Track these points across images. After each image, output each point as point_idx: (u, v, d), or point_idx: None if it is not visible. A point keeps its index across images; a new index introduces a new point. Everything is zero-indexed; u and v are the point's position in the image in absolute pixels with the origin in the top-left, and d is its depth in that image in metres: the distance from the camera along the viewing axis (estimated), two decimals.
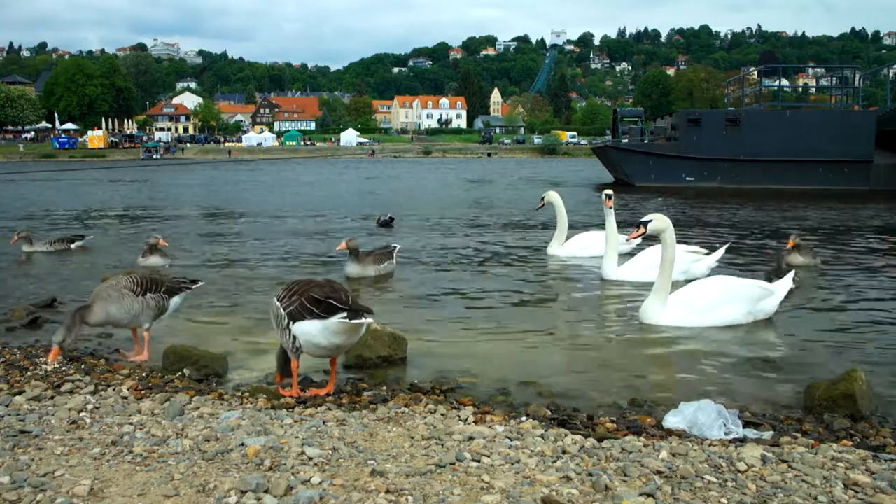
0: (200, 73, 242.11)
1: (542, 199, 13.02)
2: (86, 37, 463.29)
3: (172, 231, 15.97)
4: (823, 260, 11.48)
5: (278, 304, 5.03)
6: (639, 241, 9.46)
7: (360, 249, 10.30)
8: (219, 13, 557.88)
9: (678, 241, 8.08)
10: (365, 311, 4.86)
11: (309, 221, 18.57)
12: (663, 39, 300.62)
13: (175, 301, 6.26)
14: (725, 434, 4.41)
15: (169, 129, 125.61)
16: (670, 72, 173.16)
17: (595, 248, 11.67)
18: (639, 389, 5.48)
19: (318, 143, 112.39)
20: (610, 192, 10.83)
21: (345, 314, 4.79)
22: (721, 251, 10.21)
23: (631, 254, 11.23)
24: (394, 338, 6.20)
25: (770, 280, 9.51)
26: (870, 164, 33.27)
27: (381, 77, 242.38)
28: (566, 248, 12.31)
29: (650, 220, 7.57)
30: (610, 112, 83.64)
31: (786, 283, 7.82)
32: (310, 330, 4.88)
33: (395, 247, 10.85)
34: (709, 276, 9.45)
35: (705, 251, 10.27)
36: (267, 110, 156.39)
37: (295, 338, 4.92)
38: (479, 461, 3.66)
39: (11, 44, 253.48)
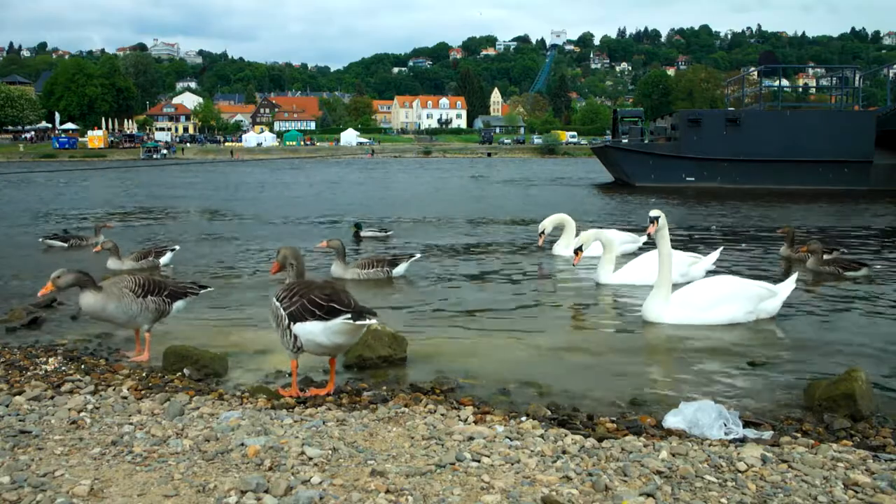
0: (200, 73, 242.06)
1: (541, 233, 12.48)
2: (88, 37, 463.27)
3: (174, 231, 15.96)
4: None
5: (278, 304, 5.03)
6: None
7: (344, 249, 10.27)
8: (221, 14, 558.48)
9: (679, 248, 8.12)
10: (368, 312, 4.88)
11: (310, 224, 18.56)
12: (663, 39, 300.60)
13: (178, 305, 6.26)
14: (725, 434, 4.41)
15: (169, 129, 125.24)
16: (670, 72, 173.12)
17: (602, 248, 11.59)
18: (639, 389, 5.48)
19: (318, 144, 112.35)
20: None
21: (348, 315, 4.81)
22: (716, 254, 10.33)
23: (635, 253, 11.28)
24: (394, 338, 6.20)
25: (840, 273, 10.24)
26: (870, 164, 33.25)
27: (381, 77, 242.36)
28: (571, 248, 12.25)
29: (658, 216, 7.68)
30: (610, 112, 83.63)
31: (789, 284, 7.87)
32: (312, 330, 4.89)
33: (412, 255, 10.61)
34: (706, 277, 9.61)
35: (700, 257, 10.39)
36: (267, 110, 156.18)
37: (296, 337, 4.93)
38: (479, 461, 3.65)
39: (11, 44, 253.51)
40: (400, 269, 10.33)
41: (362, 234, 14.51)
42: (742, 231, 16.85)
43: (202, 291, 6.49)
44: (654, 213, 7.76)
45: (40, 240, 13.21)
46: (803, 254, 11.23)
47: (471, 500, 3.21)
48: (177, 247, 11.71)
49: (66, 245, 12.94)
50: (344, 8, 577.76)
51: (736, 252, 12.93)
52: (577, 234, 12.30)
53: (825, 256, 10.84)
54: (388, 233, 14.82)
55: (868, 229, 17.49)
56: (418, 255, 10.84)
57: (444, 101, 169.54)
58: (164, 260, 11.22)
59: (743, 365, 6.21)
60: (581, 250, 10.02)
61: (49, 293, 5.86)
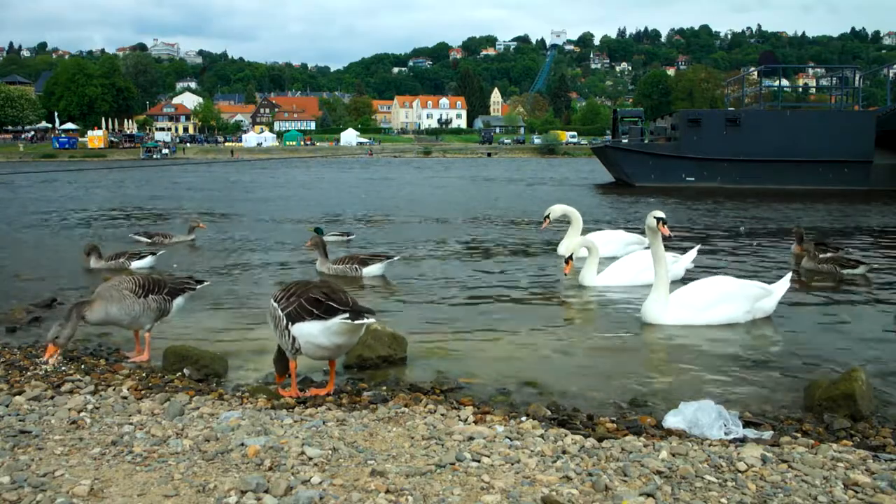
0: (200, 73, 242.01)
1: (547, 216, 12.44)
2: (88, 37, 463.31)
3: (172, 231, 15.94)
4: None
5: (276, 305, 5.02)
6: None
7: (325, 245, 10.61)
8: (222, 14, 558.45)
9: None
10: (366, 311, 4.86)
11: (306, 223, 18.54)
12: (663, 39, 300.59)
13: (178, 302, 6.24)
14: (725, 434, 4.41)
15: (169, 129, 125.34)
16: (670, 72, 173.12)
17: (607, 247, 11.51)
18: (639, 389, 5.48)
19: (318, 144, 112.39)
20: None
21: (346, 314, 4.78)
22: (693, 252, 10.35)
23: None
24: (394, 338, 6.20)
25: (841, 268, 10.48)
26: (870, 164, 33.26)
27: (381, 77, 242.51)
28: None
29: (663, 217, 7.69)
30: (610, 112, 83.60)
31: (784, 283, 7.90)
32: (310, 330, 4.86)
33: (390, 258, 10.57)
34: (685, 276, 9.88)
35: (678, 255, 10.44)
36: (267, 110, 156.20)
37: (294, 339, 4.92)
38: (479, 461, 3.65)
39: (11, 44, 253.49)
40: (373, 270, 10.27)
41: (325, 238, 13.22)
42: (761, 231, 16.84)
43: (199, 287, 6.47)
44: (658, 213, 7.77)
45: (131, 235, 14.16)
46: (799, 253, 11.49)
47: (471, 500, 3.21)
48: (162, 251, 11.68)
49: (149, 240, 13.60)
50: (344, 8, 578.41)
51: (747, 251, 13.03)
52: (582, 234, 12.31)
53: (821, 255, 10.93)
54: (350, 237, 14.55)
55: (868, 229, 17.49)
56: (396, 258, 10.73)
57: (444, 101, 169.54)
58: (143, 263, 10.94)
59: (743, 365, 6.21)
60: (571, 259, 9.68)
61: (56, 354, 5.59)
